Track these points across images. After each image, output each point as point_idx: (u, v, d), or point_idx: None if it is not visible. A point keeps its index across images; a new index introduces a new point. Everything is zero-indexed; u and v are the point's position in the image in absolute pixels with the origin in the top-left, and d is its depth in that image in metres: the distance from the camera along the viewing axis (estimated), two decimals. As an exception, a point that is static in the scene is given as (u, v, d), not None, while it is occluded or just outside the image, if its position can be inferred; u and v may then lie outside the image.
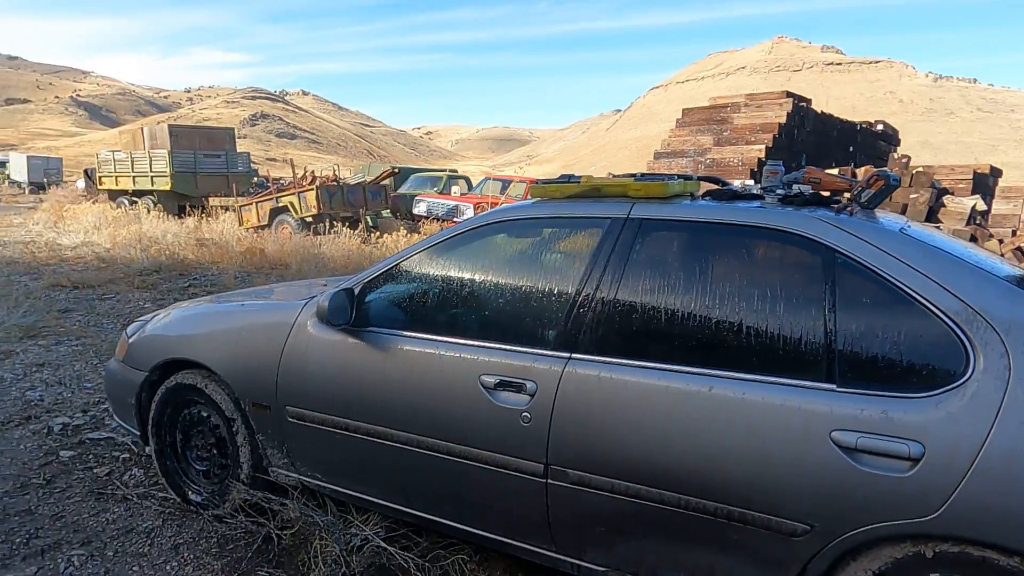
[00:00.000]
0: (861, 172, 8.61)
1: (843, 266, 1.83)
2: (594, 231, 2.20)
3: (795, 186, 2.24)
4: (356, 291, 2.47)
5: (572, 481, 2.04)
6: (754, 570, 1.85)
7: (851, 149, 12.39)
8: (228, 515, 2.76)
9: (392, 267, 2.50)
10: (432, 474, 2.30)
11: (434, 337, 2.31)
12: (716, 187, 2.39)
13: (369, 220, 13.13)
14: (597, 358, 2.04)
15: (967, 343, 1.65)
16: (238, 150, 19.54)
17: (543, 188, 2.43)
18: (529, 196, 2.47)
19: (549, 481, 2.07)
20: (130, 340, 3.06)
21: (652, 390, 1.93)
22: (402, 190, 16.50)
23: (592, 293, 2.10)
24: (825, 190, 2.28)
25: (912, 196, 7.90)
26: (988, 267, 1.83)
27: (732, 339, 1.91)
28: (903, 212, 7.93)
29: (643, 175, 2.39)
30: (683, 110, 11.65)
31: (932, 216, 7.90)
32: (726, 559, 1.88)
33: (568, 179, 2.41)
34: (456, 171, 19.94)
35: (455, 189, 14.85)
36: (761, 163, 9.53)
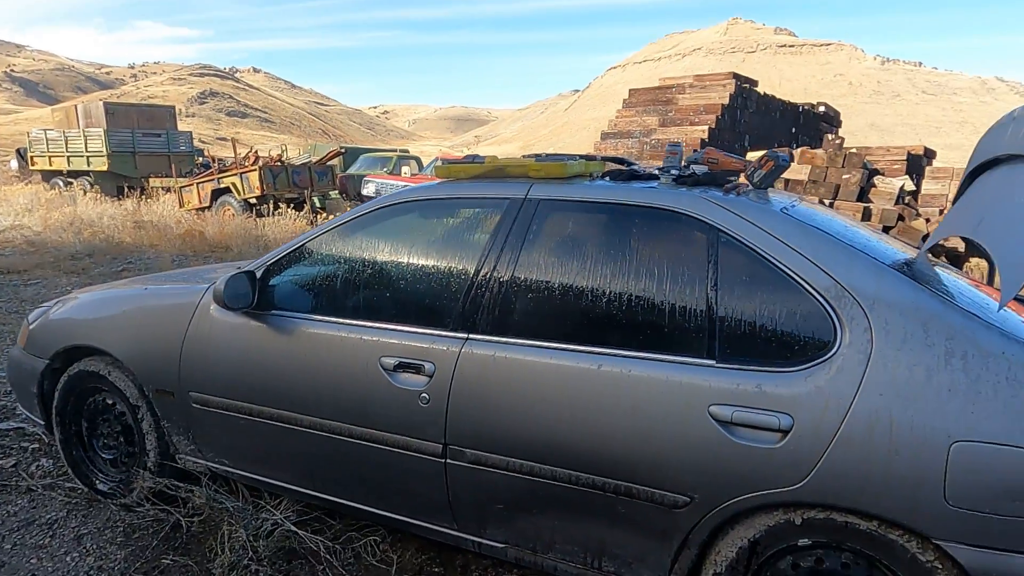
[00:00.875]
0: (798, 153, 8.82)
1: (725, 244, 1.88)
2: (494, 212, 2.20)
3: (693, 167, 2.27)
4: (258, 274, 2.42)
5: (469, 460, 2.05)
6: (641, 541, 1.90)
7: (794, 130, 12.67)
8: (136, 504, 2.70)
9: (296, 249, 2.46)
10: (337, 457, 2.29)
11: (336, 320, 2.29)
12: (621, 167, 2.42)
13: (316, 201, 12.89)
14: (493, 338, 2.05)
15: (835, 318, 1.71)
16: (184, 129, 18.91)
17: (448, 168, 2.41)
18: (436, 176, 2.46)
19: (448, 461, 2.09)
20: (31, 327, 2.95)
21: (545, 369, 1.95)
22: (351, 170, 16.22)
23: (489, 274, 2.11)
24: (722, 170, 2.32)
25: (844, 177, 8.14)
26: (864, 246, 1.88)
27: (621, 317, 1.94)
28: (836, 192, 8.16)
29: (548, 156, 2.40)
30: (630, 91, 11.70)
31: (863, 196, 8.15)
32: (616, 532, 1.93)
33: (473, 159, 2.40)
34: (407, 151, 19.70)
35: (405, 169, 14.68)
36: (704, 144, 9.66)
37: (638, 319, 1.92)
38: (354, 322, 2.26)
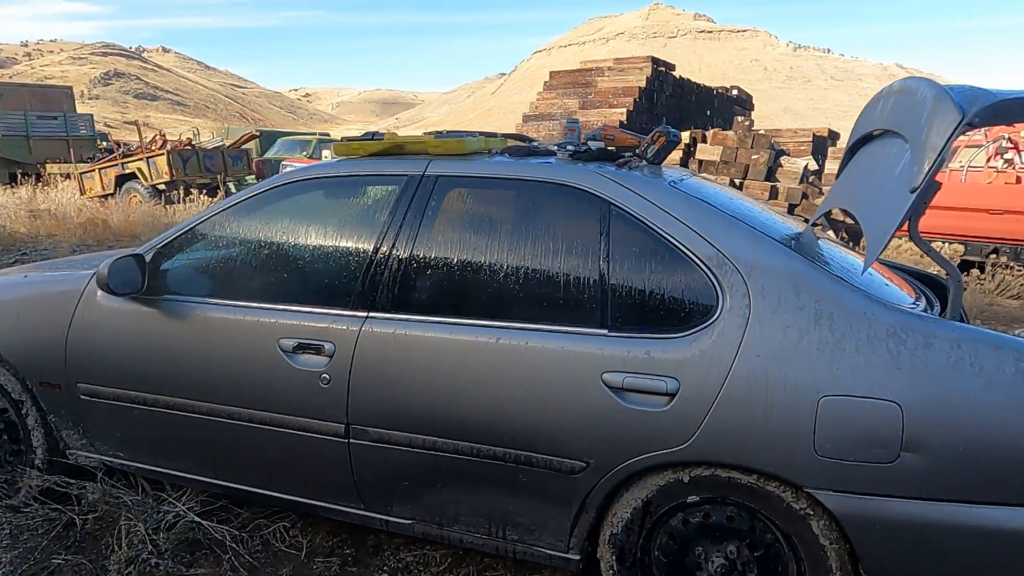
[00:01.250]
0: (710, 134, 9.12)
1: (616, 217, 1.93)
2: (392, 189, 2.19)
3: (589, 143, 2.32)
4: (148, 257, 2.32)
5: (373, 439, 2.05)
6: (542, 507, 1.95)
7: (708, 113, 13.09)
8: (23, 504, 2.55)
9: (187, 231, 2.37)
10: (238, 443, 2.24)
11: (232, 302, 2.23)
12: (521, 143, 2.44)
13: (232, 186, 12.39)
14: (393, 316, 2.04)
15: (717, 285, 1.79)
16: (88, 111, 17.72)
17: (347, 146, 2.37)
18: (334, 154, 2.41)
19: (351, 441, 2.07)
20: None
21: (445, 344, 1.96)
22: (269, 154, 15.64)
23: (389, 251, 2.09)
24: (618, 146, 2.38)
25: (754, 157, 8.49)
26: (746, 217, 1.97)
27: (519, 291, 1.97)
28: (746, 173, 8.50)
29: (448, 133, 2.40)
30: (551, 73, 11.78)
31: (771, 175, 8.53)
32: (518, 501, 1.97)
33: (372, 136, 2.37)
34: (327, 134, 19.16)
35: (326, 153, 14.27)
36: (622, 126, 9.85)
37: (534, 292, 1.96)
38: (251, 304, 2.20)
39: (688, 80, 12.61)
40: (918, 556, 1.63)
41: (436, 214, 2.10)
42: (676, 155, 8.73)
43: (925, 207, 1.82)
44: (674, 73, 12.33)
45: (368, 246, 2.13)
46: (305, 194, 2.33)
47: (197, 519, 2.43)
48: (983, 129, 8.42)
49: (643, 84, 10.56)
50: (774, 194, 8.30)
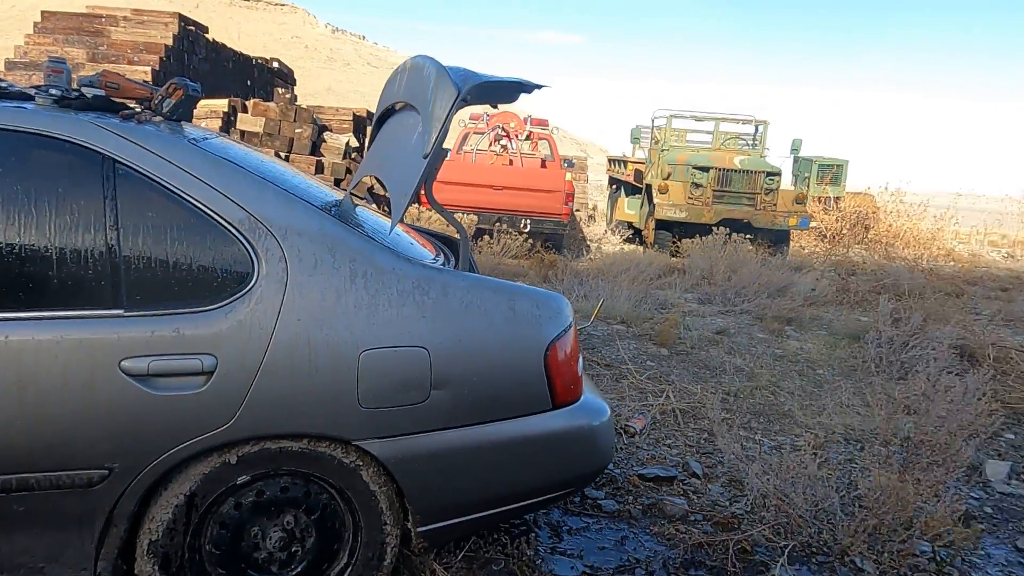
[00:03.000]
0: (251, 104, 8.75)
1: (125, 177, 1.65)
2: None
3: (84, 89, 1.92)
4: None
5: None
6: (52, 537, 1.58)
7: (249, 83, 12.53)
8: None
9: None
10: None
11: None
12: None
13: None
14: None
15: (251, 250, 1.69)
16: None
17: None
18: None
19: None
20: None
21: None
22: None
23: None
24: (125, 97, 2.04)
25: (297, 131, 8.48)
26: (279, 179, 1.90)
27: (-12, 272, 1.52)
28: (291, 146, 8.45)
29: None
30: (43, 13, 9.52)
31: (316, 150, 8.68)
32: (15, 538, 1.56)
33: None
34: None
35: None
36: (146, 84, 8.67)
37: (14, 271, 1.54)
38: None
39: (224, 45, 11.78)
40: (448, 478, 1.86)
41: None
42: (216, 124, 8.10)
43: (437, 172, 2.05)
44: (208, 36, 11.38)
45: None
46: None
47: None
48: (484, 118, 10.18)
49: (170, 42, 9.42)
50: (320, 168, 8.45)
